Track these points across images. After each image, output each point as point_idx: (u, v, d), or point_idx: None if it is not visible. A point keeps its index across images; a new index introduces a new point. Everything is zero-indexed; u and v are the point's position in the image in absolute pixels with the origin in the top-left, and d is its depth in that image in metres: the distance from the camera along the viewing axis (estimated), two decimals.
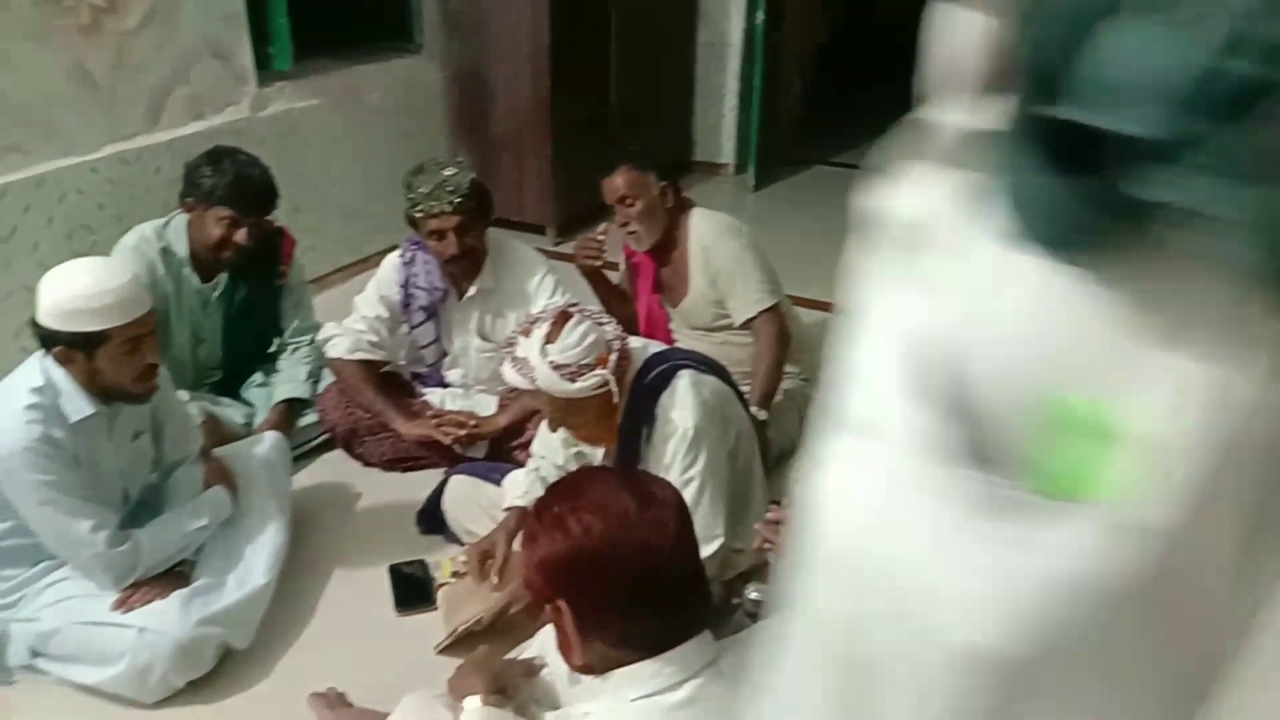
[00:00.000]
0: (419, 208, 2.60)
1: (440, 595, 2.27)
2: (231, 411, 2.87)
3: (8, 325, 2.89)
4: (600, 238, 2.90)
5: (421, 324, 2.84)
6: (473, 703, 1.51)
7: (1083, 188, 0.43)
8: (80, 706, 2.04)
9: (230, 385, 2.99)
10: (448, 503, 2.52)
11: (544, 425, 2.23)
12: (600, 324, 2.02)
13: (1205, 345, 0.40)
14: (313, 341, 2.98)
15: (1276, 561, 0.42)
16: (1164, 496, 0.42)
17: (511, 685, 1.58)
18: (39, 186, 3.00)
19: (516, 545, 2.15)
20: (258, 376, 3.01)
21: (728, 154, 5.70)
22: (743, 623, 1.87)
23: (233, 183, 2.65)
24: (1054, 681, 0.48)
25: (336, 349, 2.79)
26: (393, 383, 2.89)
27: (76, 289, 1.93)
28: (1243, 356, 0.40)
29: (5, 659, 2.07)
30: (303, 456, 2.85)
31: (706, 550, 1.87)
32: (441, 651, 2.14)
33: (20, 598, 2.10)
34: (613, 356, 1.98)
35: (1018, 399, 0.45)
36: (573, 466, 2.20)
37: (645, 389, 2.04)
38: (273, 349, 3.03)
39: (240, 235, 2.66)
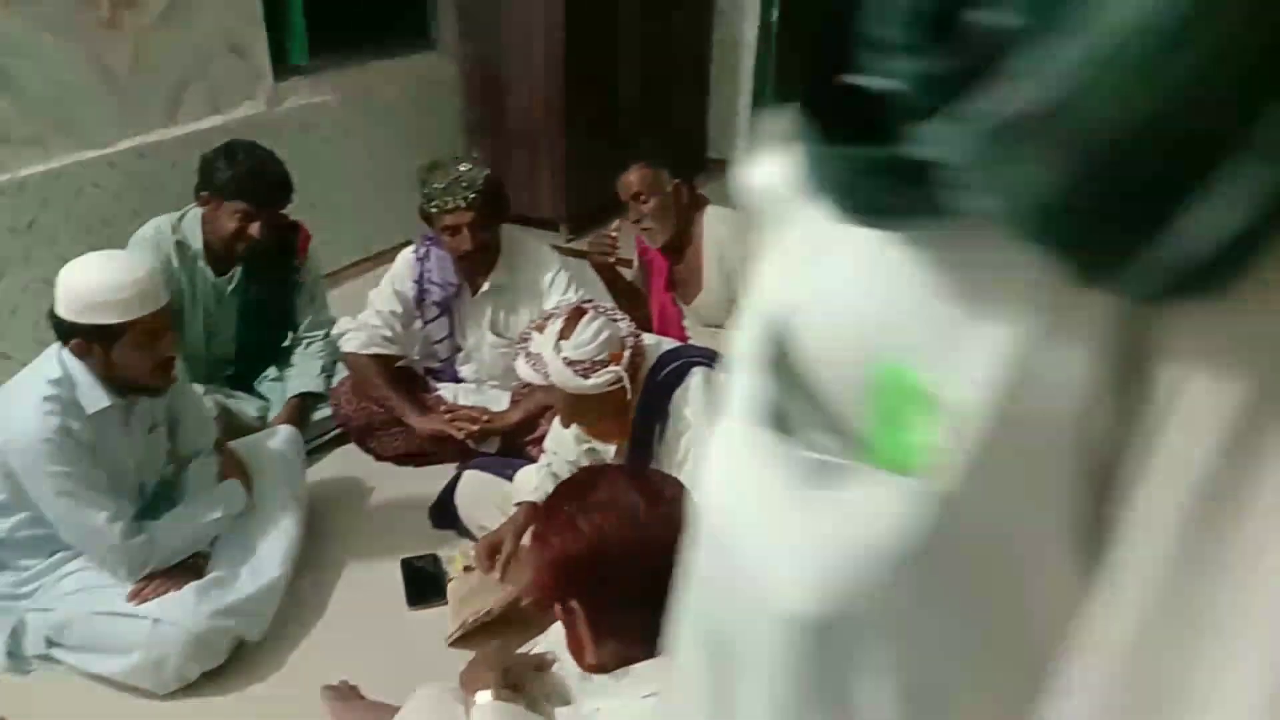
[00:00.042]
0: (434, 203, 2.61)
1: (449, 589, 2.27)
2: (245, 405, 2.89)
3: (26, 317, 2.92)
4: (614, 234, 2.90)
5: (435, 319, 2.85)
6: (484, 697, 1.51)
7: (862, 154, 0.42)
8: (95, 696, 2.05)
9: (244, 379, 3.01)
10: (460, 497, 2.52)
11: (557, 421, 2.23)
12: (614, 320, 2.02)
13: (1008, 313, 0.40)
14: (327, 336, 2.99)
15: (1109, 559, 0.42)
16: (953, 463, 0.42)
17: (523, 680, 1.58)
18: (57, 179, 3.02)
19: (526, 540, 2.16)
20: (272, 371, 3.03)
21: (742, 151, 5.68)
22: None
23: (248, 176, 2.66)
24: (876, 648, 0.48)
25: (351, 344, 2.80)
26: (406, 378, 2.90)
27: (95, 282, 1.95)
28: (1043, 325, 0.40)
29: (22, 648, 2.09)
30: (316, 450, 2.86)
31: None
32: (452, 644, 2.15)
33: (37, 588, 2.11)
34: (626, 353, 1.98)
35: (845, 368, 0.46)
36: (585, 463, 2.20)
37: (658, 386, 2.05)
38: (287, 344, 3.04)
39: (254, 229, 2.67)
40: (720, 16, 5.46)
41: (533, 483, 2.29)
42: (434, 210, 2.62)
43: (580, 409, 2.04)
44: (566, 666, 1.59)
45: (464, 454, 2.72)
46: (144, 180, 3.24)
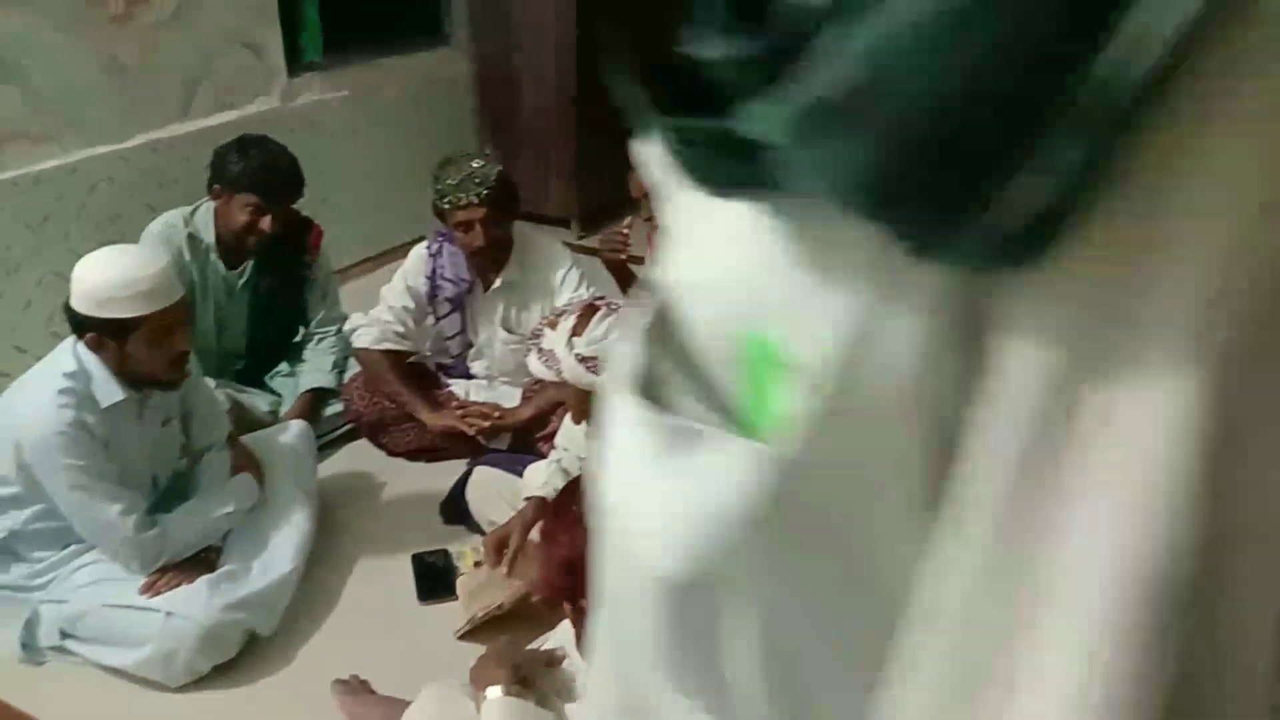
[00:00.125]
0: (446, 199, 2.61)
1: (459, 584, 2.28)
2: (257, 400, 2.90)
3: (41, 311, 2.93)
4: (625, 231, 2.90)
5: (447, 315, 2.86)
6: (494, 692, 1.52)
7: (698, 127, 0.42)
8: (108, 688, 2.06)
9: (255, 374, 3.01)
10: (471, 493, 2.53)
11: (568, 418, 2.23)
12: None
13: (849, 282, 0.41)
14: (339, 332, 3.00)
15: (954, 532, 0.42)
16: (797, 428, 0.43)
17: (533, 676, 1.59)
18: (71, 175, 3.03)
19: (534, 535, 2.16)
20: (284, 366, 3.04)
21: None
22: None
23: (259, 170, 2.66)
24: (736, 608, 0.49)
25: (363, 339, 2.81)
26: (418, 373, 2.91)
27: (110, 276, 1.96)
28: (880, 294, 0.40)
29: (36, 639, 2.10)
30: (328, 446, 2.87)
31: None
32: (462, 638, 2.15)
33: (51, 579, 2.13)
34: None
35: (720, 339, 0.46)
36: None
37: None
38: (298, 339, 3.05)
39: (265, 223, 2.68)
40: None
41: (541, 477, 2.29)
42: (447, 206, 2.62)
43: (592, 405, 2.04)
44: (576, 662, 1.59)
45: (475, 450, 2.72)
46: (157, 176, 3.25)
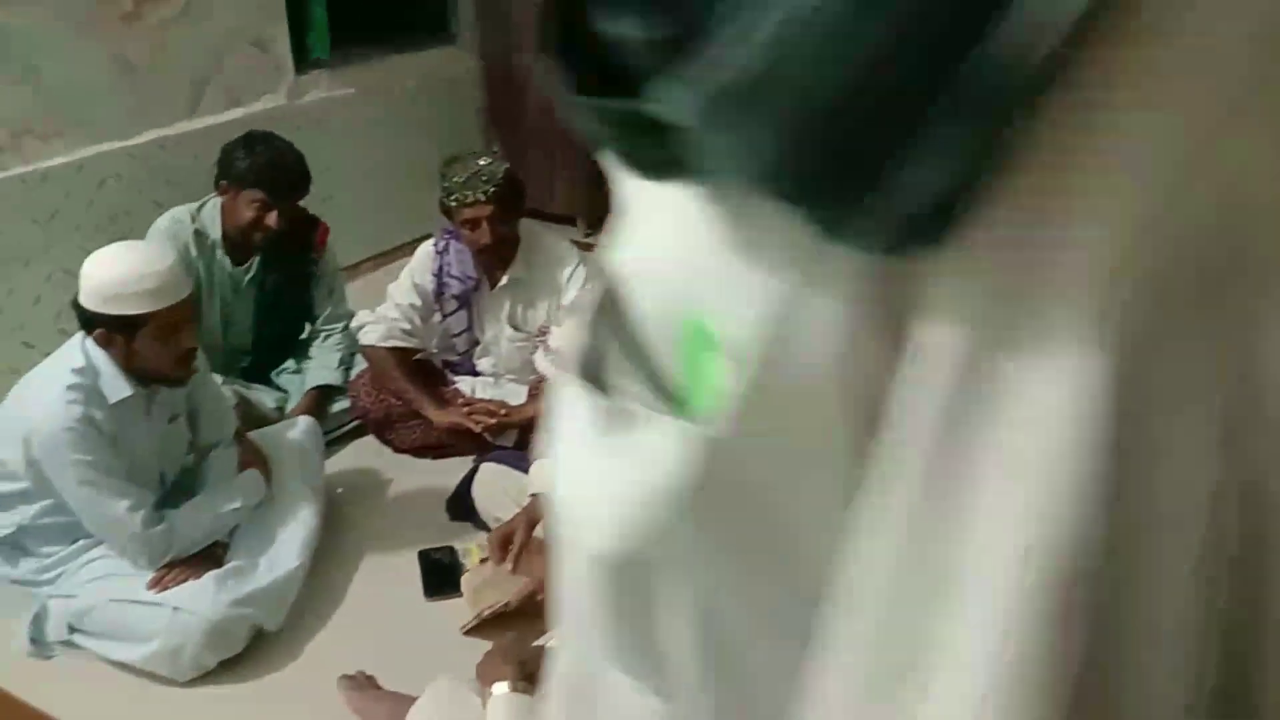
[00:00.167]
0: (453, 197, 2.62)
1: (464, 580, 2.28)
2: (264, 396, 2.91)
3: (48, 307, 2.94)
4: None
5: (454, 313, 2.86)
6: (500, 688, 1.52)
7: (612, 107, 0.42)
8: (115, 682, 2.07)
9: (260, 371, 3.02)
10: (477, 490, 2.53)
11: None
12: None
13: (774, 265, 0.41)
14: (346, 329, 3.01)
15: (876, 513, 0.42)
16: (725, 409, 0.43)
17: (539, 672, 1.59)
18: (79, 171, 3.04)
19: (539, 532, 2.17)
20: (290, 363, 3.04)
21: None
22: None
23: (266, 166, 2.67)
24: (671, 587, 0.49)
25: (370, 336, 2.81)
26: (425, 371, 2.91)
27: (119, 273, 1.96)
28: (802, 277, 0.40)
29: (44, 634, 2.11)
30: (334, 442, 2.88)
31: None
32: (468, 634, 2.16)
33: (59, 574, 2.14)
34: None
35: (663, 321, 0.46)
36: None
37: None
38: (304, 336, 3.06)
39: (271, 219, 2.69)
40: None
41: (546, 474, 2.29)
42: (453, 204, 2.63)
43: None
44: None
45: (481, 447, 2.73)
46: (165, 172, 3.26)
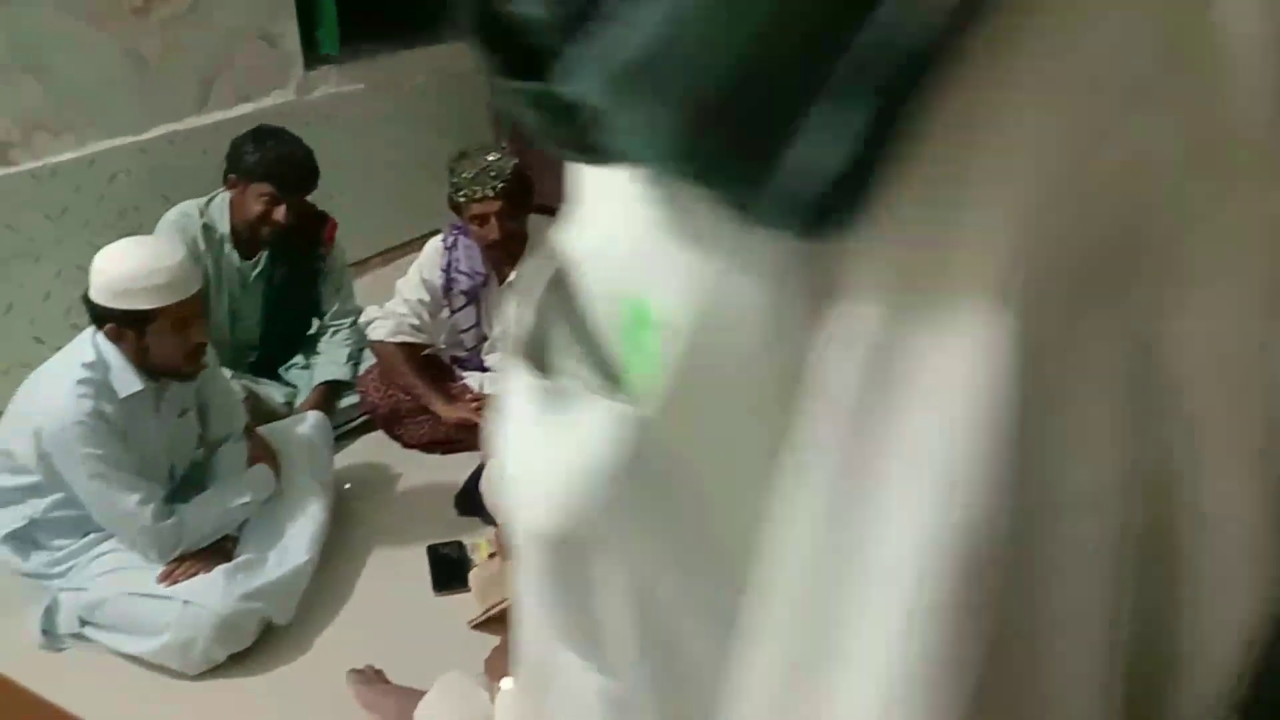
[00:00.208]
0: (462, 192, 2.62)
1: (472, 575, 2.29)
2: (273, 391, 2.91)
3: (59, 302, 2.95)
4: None
5: (462, 308, 2.87)
6: (509, 683, 1.52)
7: (524, 89, 0.42)
8: (126, 675, 2.08)
9: (269, 366, 3.03)
10: (486, 485, 2.54)
11: None
12: None
13: (702, 246, 0.41)
14: (354, 324, 3.01)
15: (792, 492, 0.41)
16: (654, 388, 0.43)
17: None
18: (89, 166, 3.05)
19: None
20: (299, 359, 3.05)
21: None
22: None
23: (275, 160, 2.68)
24: (607, 565, 0.49)
25: (378, 332, 2.82)
26: (433, 366, 2.92)
27: (129, 268, 1.97)
28: (726, 258, 0.40)
29: (56, 626, 2.12)
30: (343, 437, 2.88)
31: None
32: (476, 628, 2.16)
33: (70, 567, 2.15)
34: None
35: (607, 303, 0.46)
36: None
37: None
38: (312, 331, 3.07)
39: (279, 213, 2.69)
40: None
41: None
42: (462, 199, 2.63)
43: None
44: None
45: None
46: (175, 168, 3.27)
